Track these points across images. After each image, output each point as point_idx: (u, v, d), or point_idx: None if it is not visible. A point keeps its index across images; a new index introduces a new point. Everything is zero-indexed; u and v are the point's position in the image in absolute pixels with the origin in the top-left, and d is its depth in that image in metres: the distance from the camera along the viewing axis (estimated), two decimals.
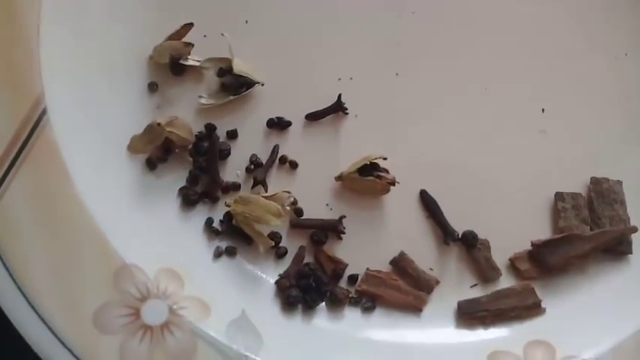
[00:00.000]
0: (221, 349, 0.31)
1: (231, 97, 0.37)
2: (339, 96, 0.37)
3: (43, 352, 0.30)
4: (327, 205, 0.36)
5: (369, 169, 0.36)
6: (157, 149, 0.35)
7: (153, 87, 0.37)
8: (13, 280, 0.30)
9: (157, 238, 0.34)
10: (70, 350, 0.29)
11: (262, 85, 0.37)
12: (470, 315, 0.35)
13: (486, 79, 0.38)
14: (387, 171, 0.36)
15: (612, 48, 0.38)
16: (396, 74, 0.38)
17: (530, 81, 0.38)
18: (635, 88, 0.38)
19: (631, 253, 0.36)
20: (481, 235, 0.36)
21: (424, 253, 0.36)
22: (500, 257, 0.36)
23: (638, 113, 0.38)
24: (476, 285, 0.35)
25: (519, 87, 0.38)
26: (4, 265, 0.30)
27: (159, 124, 0.34)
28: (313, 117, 0.37)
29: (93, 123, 0.35)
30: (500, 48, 0.38)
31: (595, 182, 0.37)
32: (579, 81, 0.38)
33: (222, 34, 0.36)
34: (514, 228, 0.36)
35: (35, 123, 0.32)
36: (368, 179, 0.35)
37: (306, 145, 0.37)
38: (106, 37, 0.36)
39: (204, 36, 0.37)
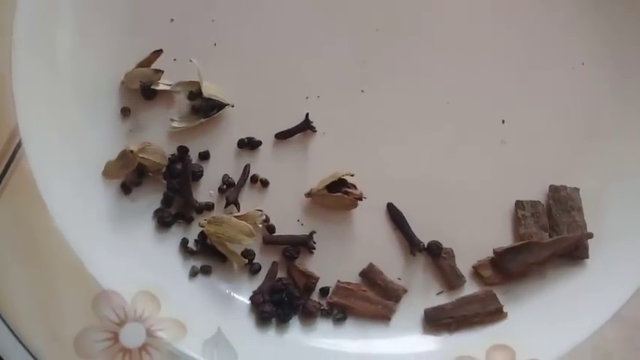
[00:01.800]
0: None
1: (202, 120, 0.37)
2: (307, 115, 0.38)
3: None
4: (298, 220, 0.37)
5: (338, 185, 0.37)
6: (131, 174, 0.36)
7: (125, 112, 0.38)
8: None
9: (133, 262, 0.35)
10: None
11: (232, 106, 0.38)
12: (436, 322, 0.36)
13: (448, 93, 0.39)
14: (354, 186, 0.37)
15: (569, 58, 0.39)
16: (362, 91, 0.39)
17: (490, 93, 0.39)
18: (591, 97, 0.39)
19: (587, 257, 0.37)
20: (446, 245, 0.37)
21: (392, 264, 0.37)
22: (464, 265, 0.37)
23: (595, 122, 0.38)
24: (442, 292, 0.37)
25: (480, 99, 0.39)
26: None
27: (131, 151, 0.35)
28: (282, 136, 0.38)
29: (68, 150, 0.36)
30: (461, 62, 0.39)
31: (553, 190, 0.38)
32: (538, 91, 0.39)
33: (191, 60, 0.37)
34: (477, 236, 0.37)
35: (11, 157, 0.33)
36: (336, 195, 0.36)
37: (277, 163, 0.37)
38: (78, 64, 0.37)
39: (174, 60, 0.38)
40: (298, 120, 0.38)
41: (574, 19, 0.39)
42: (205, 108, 0.37)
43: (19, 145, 0.33)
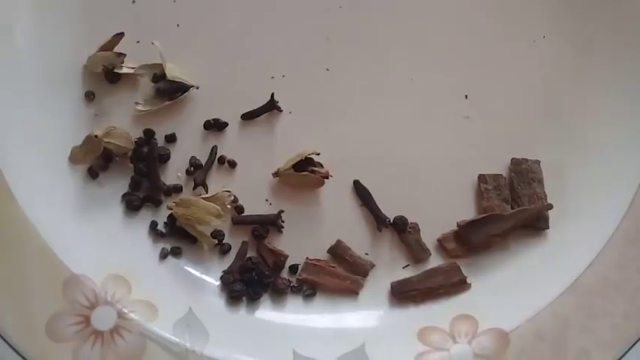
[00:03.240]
0: (169, 348, 0.32)
1: (167, 102, 0.37)
2: (272, 95, 0.38)
3: None
4: (267, 200, 0.37)
5: (304, 164, 0.37)
6: (97, 158, 0.36)
7: (89, 96, 0.37)
8: None
9: (103, 246, 0.35)
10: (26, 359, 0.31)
11: (197, 88, 0.38)
12: (402, 294, 0.37)
13: (412, 70, 0.39)
14: (321, 165, 0.37)
15: (530, 31, 0.39)
16: (327, 69, 0.39)
17: (453, 69, 0.39)
18: (552, 70, 0.39)
19: (548, 228, 0.38)
20: (411, 219, 0.38)
21: (359, 240, 0.37)
22: (429, 238, 0.38)
23: (556, 95, 0.39)
24: (408, 266, 0.38)
25: (443, 75, 0.39)
26: None
27: (96, 135, 0.35)
28: (249, 116, 0.38)
29: (32, 136, 0.35)
30: (424, 38, 0.39)
31: (515, 163, 0.39)
32: (499, 66, 0.39)
33: (153, 43, 0.37)
34: (441, 210, 0.38)
35: None
36: (303, 174, 0.37)
37: (243, 144, 0.38)
38: (38, 49, 0.36)
39: (137, 42, 0.38)
40: (264, 100, 0.38)
41: None
42: (170, 90, 0.37)
43: None
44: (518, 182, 0.38)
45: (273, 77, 0.38)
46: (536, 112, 0.39)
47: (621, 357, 0.34)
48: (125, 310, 0.33)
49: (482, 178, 0.38)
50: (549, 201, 0.38)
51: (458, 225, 0.37)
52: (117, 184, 0.36)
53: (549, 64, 0.39)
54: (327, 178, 0.37)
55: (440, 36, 0.39)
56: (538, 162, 0.38)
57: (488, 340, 0.34)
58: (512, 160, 0.38)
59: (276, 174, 0.37)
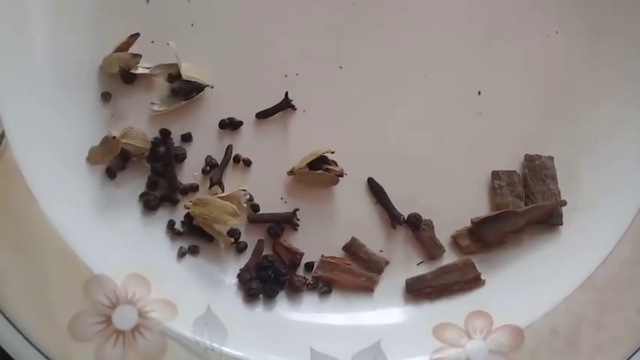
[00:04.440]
0: (189, 345, 0.33)
1: (183, 102, 0.37)
2: (286, 93, 0.38)
3: None
4: (282, 198, 0.38)
5: (319, 162, 0.37)
6: (114, 159, 0.36)
7: (106, 96, 0.38)
8: None
9: (122, 245, 0.35)
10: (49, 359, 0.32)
11: (212, 87, 0.38)
12: (417, 291, 0.38)
13: (425, 67, 0.38)
14: (335, 163, 0.37)
15: (543, 26, 0.39)
16: (340, 67, 0.39)
17: (466, 65, 0.38)
18: (566, 64, 0.39)
19: (562, 224, 0.38)
20: (425, 216, 0.38)
21: (374, 237, 0.37)
22: (443, 235, 0.38)
23: (569, 90, 0.39)
24: (422, 263, 0.38)
25: (456, 71, 0.38)
26: None
27: (114, 137, 0.35)
28: (263, 115, 0.38)
29: (51, 138, 0.36)
30: (437, 35, 0.39)
31: (528, 159, 0.39)
32: (513, 61, 0.39)
33: (168, 44, 0.37)
34: (455, 207, 0.38)
35: None
36: (318, 173, 0.37)
37: (258, 143, 0.38)
38: (55, 50, 0.36)
39: (152, 42, 0.38)
40: (278, 99, 0.38)
41: None
42: (185, 90, 0.37)
43: (2, 135, 0.33)
44: (532, 178, 0.38)
45: (286, 76, 0.38)
46: (549, 108, 0.39)
47: (635, 352, 0.34)
48: (145, 310, 0.33)
49: (495, 174, 0.38)
50: (563, 197, 0.38)
51: (472, 222, 0.37)
52: (134, 184, 0.36)
53: (562, 60, 0.39)
54: (342, 176, 0.37)
55: (452, 32, 0.39)
56: (551, 158, 0.38)
57: (503, 337, 0.35)
58: (525, 156, 0.38)
59: (291, 172, 0.37)
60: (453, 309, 0.36)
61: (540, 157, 0.38)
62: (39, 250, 0.33)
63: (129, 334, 0.33)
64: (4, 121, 0.34)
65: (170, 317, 0.33)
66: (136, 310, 0.33)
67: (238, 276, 0.36)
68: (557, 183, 0.38)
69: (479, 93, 0.39)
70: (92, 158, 0.36)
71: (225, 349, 0.33)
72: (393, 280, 0.37)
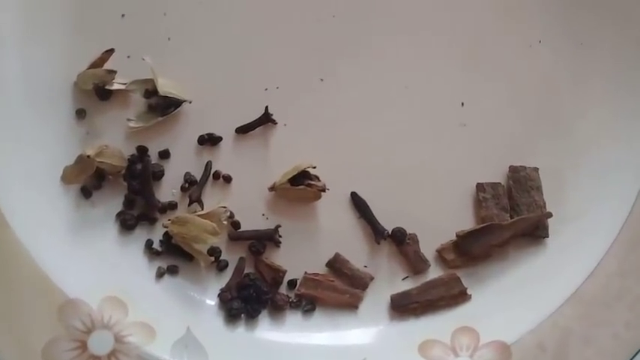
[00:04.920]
0: None
1: (160, 118, 0.37)
2: (266, 107, 0.37)
3: None
4: (263, 215, 0.37)
5: (300, 177, 0.36)
6: (90, 178, 0.36)
7: (81, 114, 0.37)
8: None
9: (98, 267, 0.34)
10: None
11: (190, 102, 0.37)
12: (402, 307, 0.37)
13: (407, 78, 0.38)
14: (317, 178, 0.37)
15: (526, 36, 0.38)
16: (321, 80, 0.38)
17: (449, 76, 0.38)
18: (549, 74, 0.39)
19: (547, 236, 0.38)
20: (409, 230, 0.37)
21: (358, 253, 0.37)
22: (428, 249, 0.37)
23: (553, 100, 0.39)
24: (407, 277, 0.37)
25: (439, 83, 0.38)
26: None
27: (88, 155, 0.34)
28: (243, 130, 0.38)
29: (23, 157, 0.35)
30: (418, 46, 0.38)
31: (513, 170, 0.38)
32: (495, 72, 0.38)
33: (143, 59, 0.36)
34: (440, 221, 0.37)
35: None
36: (299, 188, 0.36)
37: (239, 158, 0.37)
38: (28, 67, 0.36)
39: (128, 57, 0.37)
40: (258, 113, 0.37)
41: None
42: (162, 106, 0.36)
43: None
44: (517, 190, 0.38)
45: (266, 89, 0.37)
46: (533, 118, 0.38)
47: None
48: (122, 334, 0.32)
49: (480, 186, 0.38)
50: (548, 209, 0.37)
51: (457, 235, 0.37)
52: (111, 204, 0.36)
53: (545, 70, 0.38)
54: (324, 191, 0.36)
55: (434, 44, 0.38)
56: (536, 169, 0.38)
57: (489, 353, 0.34)
58: (510, 167, 0.38)
59: (272, 188, 0.36)
60: (438, 325, 0.36)
61: (525, 168, 0.38)
62: (11, 274, 0.32)
63: None
64: None
65: (148, 341, 0.32)
66: (112, 335, 0.32)
67: (219, 296, 0.35)
68: (542, 194, 0.38)
69: (462, 104, 0.38)
70: (66, 177, 0.35)
71: None
72: (378, 296, 0.36)
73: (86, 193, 0.35)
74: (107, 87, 0.36)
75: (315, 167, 0.36)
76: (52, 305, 0.32)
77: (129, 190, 0.36)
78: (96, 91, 0.36)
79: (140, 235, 0.36)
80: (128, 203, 0.36)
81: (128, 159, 0.36)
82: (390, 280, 0.37)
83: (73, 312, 0.32)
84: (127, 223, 0.35)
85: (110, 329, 0.32)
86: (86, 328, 0.32)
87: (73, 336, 0.31)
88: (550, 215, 0.37)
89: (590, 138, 0.38)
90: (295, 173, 0.36)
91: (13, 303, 0.31)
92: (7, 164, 0.34)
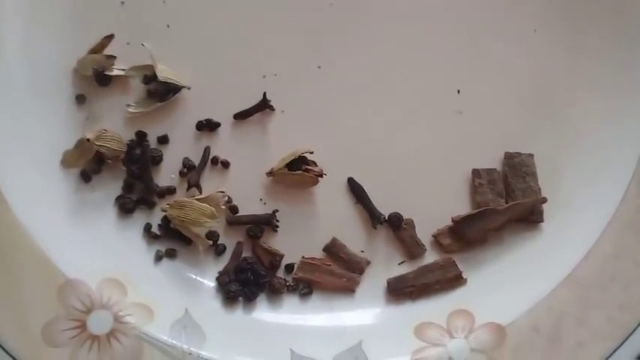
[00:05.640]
0: (166, 350, 0.32)
1: (159, 104, 0.37)
2: (264, 94, 0.38)
3: None
4: (261, 200, 0.37)
5: (298, 163, 0.37)
6: (89, 162, 0.36)
7: (80, 99, 0.37)
8: None
9: (97, 250, 0.35)
10: None
11: (189, 88, 0.38)
12: (398, 291, 0.37)
13: (404, 65, 0.38)
14: (314, 163, 0.37)
15: (521, 25, 0.39)
16: (319, 67, 0.39)
17: (445, 64, 0.38)
18: (543, 63, 0.39)
19: (542, 221, 0.38)
20: (406, 215, 0.38)
21: (354, 237, 0.37)
22: (424, 234, 0.38)
23: (548, 88, 0.39)
24: (403, 262, 0.38)
25: (435, 71, 0.38)
26: None
27: (88, 139, 0.35)
28: (241, 116, 0.38)
29: (24, 141, 0.35)
30: (415, 34, 0.38)
31: (508, 157, 0.39)
32: (491, 60, 0.38)
33: (143, 45, 0.36)
34: (436, 206, 0.37)
35: None
36: (297, 173, 0.37)
37: (237, 144, 0.37)
38: (28, 53, 0.36)
39: (128, 43, 0.38)
40: (256, 99, 0.38)
41: None
42: (161, 91, 0.37)
43: None
44: (512, 176, 0.38)
45: (264, 76, 0.38)
46: (528, 105, 0.39)
47: (617, 348, 0.34)
48: (121, 314, 0.33)
49: (475, 172, 0.38)
50: (543, 194, 0.38)
51: (453, 220, 0.37)
52: (110, 187, 0.36)
53: (541, 57, 0.39)
54: (321, 176, 0.37)
55: (431, 31, 0.39)
56: (531, 155, 0.38)
57: (484, 335, 0.34)
58: (505, 154, 0.38)
59: (270, 173, 0.37)
60: (434, 308, 0.36)
61: (520, 154, 0.38)
62: (11, 254, 0.32)
63: (104, 339, 0.32)
64: None
65: (146, 321, 0.33)
66: (111, 315, 0.32)
67: (217, 279, 0.36)
68: (537, 180, 0.38)
69: (458, 92, 0.39)
70: (66, 161, 0.35)
71: (203, 353, 0.33)
72: (375, 280, 0.37)
73: (85, 177, 0.36)
74: (107, 73, 0.36)
75: (312, 153, 0.37)
76: (52, 285, 0.32)
77: (128, 174, 0.36)
78: (95, 77, 0.36)
79: (139, 218, 0.36)
80: (127, 187, 0.36)
81: (127, 144, 0.36)
82: (386, 264, 0.37)
83: (73, 292, 0.32)
84: (125, 207, 0.36)
85: (109, 309, 0.33)
86: (85, 308, 0.32)
87: (73, 316, 0.32)
88: (545, 200, 0.37)
89: (584, 124, 0.38)
90: (293, 159, 0.36)
91: (13, 283, 0.32)
92: (8, 147, 0.34)
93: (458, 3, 0.39)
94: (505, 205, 0.37)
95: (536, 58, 0.39)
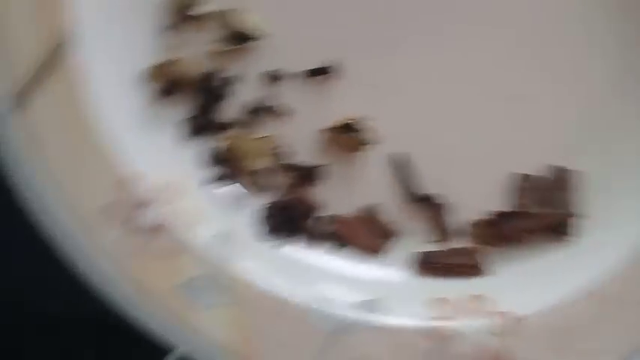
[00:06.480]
0: (203, 257, 0.36)
1: (235, 47, 0.40)
2: (337, 58, 0.40)
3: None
4: (311, 154, 0.40)
5: (350, 127, 0.39)
6: (165, 83, 0.40)
7: (166, 28, 0.41)
8: None
9: (159, 157, 0.38)
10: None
11: (266, 37, 0.41)
12: (425, 265, 0.39)
13: (476, 63, 0.40)
14: (365, 131, 0.40)
15: (590, 35, 0.40)
16: (397, 46, 0.40)
17: (515, 68, 0.40)
18: (612, 81, 0.40)
19: (575, 235, 0.39)
20: (444, 199, 0.40)
21: (390, 209, 0.39)
22: (459, 221, 0.40)
23: (608, 106, 0.40)
24: (434, 241, 0.40)
25: (505, 72, 0.40)
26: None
27: (167, 63, 0.39)
28: (312, 73, 0.41)
29: (113, 51, 0.39)
30: (492, 38, 0.40)
31: (555, 168, 0.40)
32: (555, 69, 0.40)
33: None
34: (475, 198, 0.39)
35: (60, 47, 0.36)
36: (347, 135, 0.39)
37: (302, 98, 0.40)
38: None
39: None
40: (330, 60, 0.40)
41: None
42: (239, 37, 0.40)
43: (70, 36, 0.36)
44: (555, 187, 0.40)
45: (343, 41, 0.40)
46: (586, 120, 0.40)
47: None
48: (169, 215, 0.36)
49: (524, 176, 0.40)
50: (580, 209, 0.39)
51: (491, 213, 0.39)
52: (179, 110, 0.39)
53: (609, 75, 0.40)
54: (369, 144, 0.39)
55: (508, 36, 0.40)
56: (577, 171, 0.40)
57: (499, 321, 0.36)
58: (550, 165, 0.40)
59: (324, 131, 0.40)
60: (455, 288, 0.38)
61: (566, 168, 0.40)
62: (84, 142, 0.36)
63: (149, 234, 0.35)
64: (76, 25, 0.37)
65: (191, 227, 0.36)
66: (159, 213, 0.36)
67: (260, 211, 0.39)
68: (576, 195, 0.40)
69: (522, 96, 0.40)
70: (149, 76, 0.39)
71: (239, 266, 0.36)
72: (402, 252, 0.39)
73: (161, 94, 0.40)
74: (189, 13, 0.40)
75: (369, 120, 0.40)
76: (112, 175, 0.35)
77: (197, 102, 0.40)
78: (179, 14, 0.40)
79: (199, 142, 0.39)
80: (194, 113, 0.40)
81: (202, 75, 0.40)
82: (417, 240, 0.39)
83: (129, 185, 0.35)
84: (192, 128, 0.39)
85: (160, 207, 0.36)
86: (139, 201, 0.36)
87: (126, 204, 0.35)
88: (580, 215, 0.39)
89: (630, 147, 0.40)
90: (348, 122, 0.39)
91: (77, 163, 0.35)
92: (100, 53, 0.38)
93: (537, 13, 0.40)
94: (543, 212, 0.39)
95: (605, 75, 0.40)
